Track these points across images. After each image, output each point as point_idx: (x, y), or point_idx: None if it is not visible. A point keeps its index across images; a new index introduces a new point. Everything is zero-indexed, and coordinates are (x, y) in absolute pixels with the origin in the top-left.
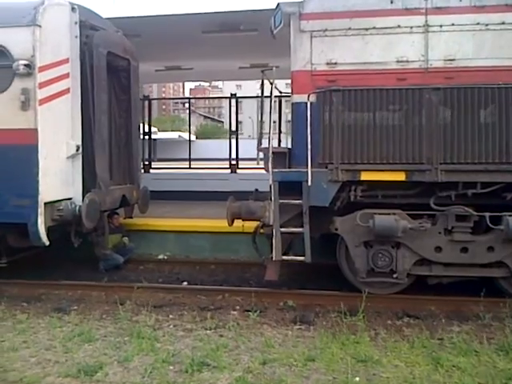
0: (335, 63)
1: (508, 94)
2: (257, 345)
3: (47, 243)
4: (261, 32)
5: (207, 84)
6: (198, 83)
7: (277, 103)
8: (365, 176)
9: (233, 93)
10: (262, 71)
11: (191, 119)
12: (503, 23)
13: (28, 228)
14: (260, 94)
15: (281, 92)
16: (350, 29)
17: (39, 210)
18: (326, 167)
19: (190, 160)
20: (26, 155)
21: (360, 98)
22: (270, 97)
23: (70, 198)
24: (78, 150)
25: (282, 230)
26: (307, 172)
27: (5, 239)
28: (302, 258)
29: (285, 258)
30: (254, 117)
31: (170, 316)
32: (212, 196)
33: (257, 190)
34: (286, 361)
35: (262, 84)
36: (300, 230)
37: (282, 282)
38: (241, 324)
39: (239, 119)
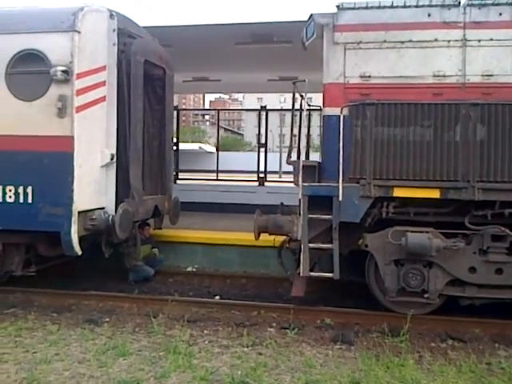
0: (369, 76)
1: None
2: (297, 364)
3: (80, 253)
4: (294, 44)
5: (227, 97)
6: (218, 95)
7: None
8: (398, 192)
9: (261, 105)
10: (294, 83)
11: (211, 131)
12: None
13: (61, 237)
14: (291, 107)
15: (310, 105)
16: (385, 41)
17: (73, 219)
18: (358, 182)
19: (217, 172)
20: (61, 163)
21: (394, 113)
22: (301, 110)
23: (102, 208)
24: (112, 159)
25: (311, 245)
26: (338, 187)
27: (34, 248)
28: (330, 275)
29: (312, 274)
30: (275, 130)
31: (205, 331)
32: (239, 208)
33: (282, 203)
34: (330, 383)
35: (294, 96)
36: (329, 246)
37: (310, 299)
38: (278, 342)
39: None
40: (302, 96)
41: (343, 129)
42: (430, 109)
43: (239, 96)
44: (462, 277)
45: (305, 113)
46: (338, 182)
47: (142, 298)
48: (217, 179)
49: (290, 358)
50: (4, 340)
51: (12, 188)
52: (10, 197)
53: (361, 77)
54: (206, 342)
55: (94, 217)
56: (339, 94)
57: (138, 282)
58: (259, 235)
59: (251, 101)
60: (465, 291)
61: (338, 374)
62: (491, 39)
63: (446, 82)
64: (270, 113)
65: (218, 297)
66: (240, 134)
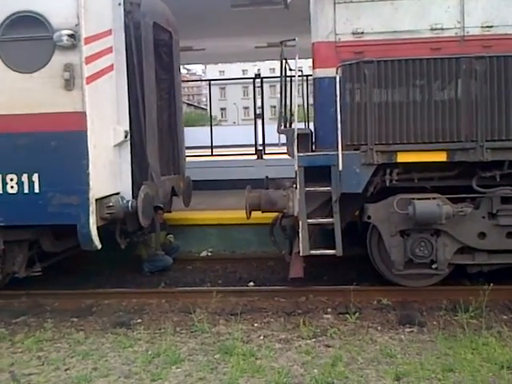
0: (362, 33)
1: None
2: (375, 355)
3: (99, 246)
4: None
5: (185, 71)
6: None
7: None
8: (402, 157)
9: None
10: (281, 42)
11: None
12: None
13: (77, 230)
14: (280, 73)
15: (291, 69)
16: None
17: (91, 208)
18: (356, 149)
19: (212, 147)
20: (73, 144)
21: (397, 70)
22: (284, 76)
23: (117, 193)
24: (126, 137)
25: (310, 221)
26: (337, 155)
27: (38, 243)
28: (332, 252)
29: (314, 252)
30: (239, 103)
31: (255, 325)
32: (237, 184)
33: (267, 177)
34: (422, 374)
35: (282, 59)
36: (330, 220)
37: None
38: (342, 330)
39: (223, 106)
40: (285, 59)
41: (340, 91)
42: (435, 64)
43: (198, 70)
44: (471, 243)
45: (297, 78)
46: (337, 150)
47: (170, 291)
48: (212, 155)
49: (365, 348)
50: (24, 357)
51: (14, 176)
52: (12, 187)
53: (353, 33)
54: (262, 338)
55: (110, 204)
56: (331, 53)
57: (154, 272)
58: (251, 213)
59: (213, 74)
60: (474, 258)
61: (425, 361)
62: None
63: (445, 36)
64: (233, 85)
65: (252, 283)
66: (203, 108)
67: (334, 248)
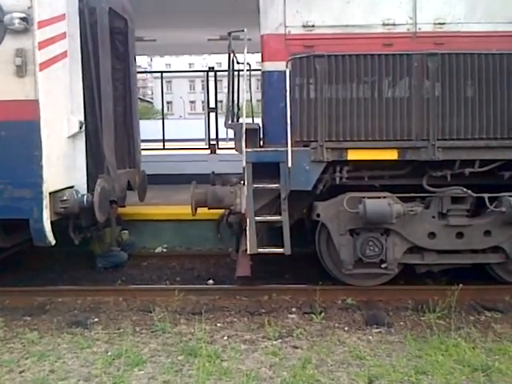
0: (313, 26)
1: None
2: (345, 357)
3: (53, 242)
4: None
5: None
6: None
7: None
8: (352, 155)
9: (208, 67)
10: (229, 34)
11: None
12: None
13: (30, 225)
14: (228, 66)
15: (239, 63)
16: None
17: (44, 202)
18: (305, 146)
19: (163, 141)
20: (25, 134)
21: (349, 66)
22: (231, 69)
23: (71, 186)
24: (81, 128)
25: (258, 218)
26: (287, 151)
27: None
28: (280, 250)
29: (262, 250)
30: (185, 97)
31: (218, 324)
32: (190, 179)
33: (213, 172)
34: (395, 376)
35: (230, 51)
36: (278, 218)
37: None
38: (309, 330)
39: (169, 99)
40: (233, 52)
41: (289, 86)
42: (387, 60)
43: (143, 62)
44: (421, 243)
45: (245, 71)
46: (287, 146)
47: (127, 289)
48: (163, 148)
49: (333, 350)
50: None
51: None
52: None
53: (304, 26)
54: (226, 338)
55: (65, 198)
56: (280, 46)
57: (108, 268)
58: (196, 210)
59: (159, 67)
60: (424, 258)
61: (396, 363)
62: None
63: (397, 32)
64: (179, 79)
65: (211, 281)
66: (149, 101)
67: (282, 246)
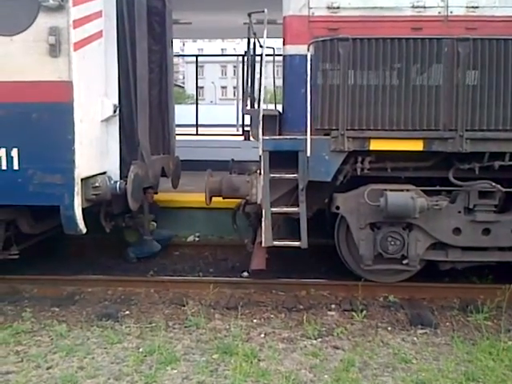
0: (338, 7)
1: None
2: (389, 359)
3: (84, 230)
4: None
5: None
6: None
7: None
8: (375, 145)
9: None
10: (249, 15)
11: None
12: None
13: (61, 212)
14: (247, 49)
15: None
16: None
17: (76, 189)
18: (326, 134)
19: (197, 126)
20: (58, 117)
21: (374, 50)
22: (248, 53)
23: (104, 173)
24: (115, 112)
25: (274, 210)
26: (306, 140)
27: (14, 224)
28: (297, 244)
29: (277, 243)
30: (217, 82)
31: (255, 321)
32: (224, 166)
33: (233, 159)
34: (444, 382)
35: (250, 33)
36: (295, 209)
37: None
38: (349, 329)
39: (201, 84)
40: (254, 34)
41: (311, 70)
42: (415, 45)
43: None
44: (445, 239)
45: (264, 53)
46: (306, 134)
47: (160, 280)
48: (196, 134)
49: (376, 351)
50: (1, 351)
51: None
52: None
53: (328, 8)
54: (263, 336)
55: (97, 184)
56: (303, 28)
57: (140, 259)
58: (211, 200)
59: (191, 52)
60: (448, 255)
61: (444, 368)
62: None
63: (427, 15)
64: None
65: (245, 273)
66: (181, 86)
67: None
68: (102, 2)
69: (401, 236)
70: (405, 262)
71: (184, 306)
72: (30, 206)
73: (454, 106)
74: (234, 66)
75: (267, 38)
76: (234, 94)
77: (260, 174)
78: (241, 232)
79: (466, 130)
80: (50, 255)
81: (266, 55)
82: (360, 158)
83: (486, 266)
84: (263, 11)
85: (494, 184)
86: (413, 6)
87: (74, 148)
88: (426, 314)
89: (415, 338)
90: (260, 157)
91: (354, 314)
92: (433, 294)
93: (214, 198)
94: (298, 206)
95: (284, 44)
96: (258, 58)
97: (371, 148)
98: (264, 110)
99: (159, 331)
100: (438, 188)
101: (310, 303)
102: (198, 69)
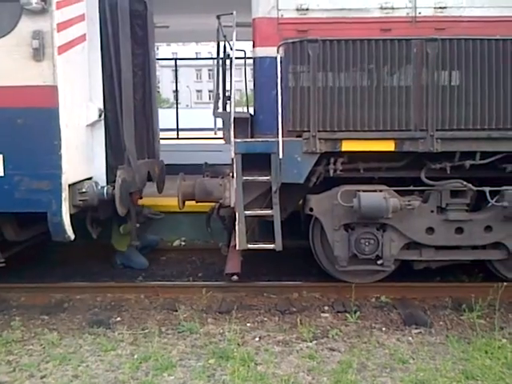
0: (307, 9)
1: None
2: (386, 360)
3: (72, 237)
4: None
5: None
6: None
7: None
8: (347, 146)
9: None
10: (218, 17)
11: None
12: None
13: (48, 218)
14: (217, 52)
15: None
16: None
17: (63, 195)
18: (299, 136)
19: (177, 130)
20: (43, 122)
21: (344, 52)
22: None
23: (90, 178)
24: (100, 116)
25: (247, 212)
26: (278, 142)
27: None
28: (271, 246)
29: (251, 246)
30: (192, 86)
31: (248, 324)
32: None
33: (206, 163)
34: (443, 381)
35: (219, 36)
36: (269, 212)
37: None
38: (344, 331)
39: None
40: (225, 37)
41: (281, 72)
42: (384, 46)
43: None
44: (419, 239)
45: (233, 57)
46: (277, 136)
47: (150, 286)
48: (177, 138)
49: (373, 352)
50: None
51: None
52: None
53: (297, 10)
54: (258, 339)
55: (83, 190)
56: (272, 31)
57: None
58: (184, 203)
59: (165, 55)
60: (422, 254)
61: (441, 367)
62: None
63: (395, 16)
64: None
65: (235, 277)
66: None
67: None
68: (85, 5)
69: (375, 236)
70: (379, 262)
71: (176, 311)
72: (15, 213)
73: (424, 106)
74: (209, 70)
75: (237, 40)
76: (210, 98)
77: (233, 177)
78: (215, 236)
79: (437, 130)
80: (35, 262)
81: (237, 58)
82: (332, 160)
83: (476, 264)
84: (232, 13)
85: (465, 183)
86: (381, 8)
87: (60, 153)
88: (419, 313)
89: (410, 338)
90: (232, 160)
91: (347, 315)
92: (424, 294)
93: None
94: (271, 208)
95: (254, 46)
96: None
97: (343, 149)
98: (235, 112)
99: (153, 337)
100: (410, 188)
101: (303, 305)
102: (173, 73)
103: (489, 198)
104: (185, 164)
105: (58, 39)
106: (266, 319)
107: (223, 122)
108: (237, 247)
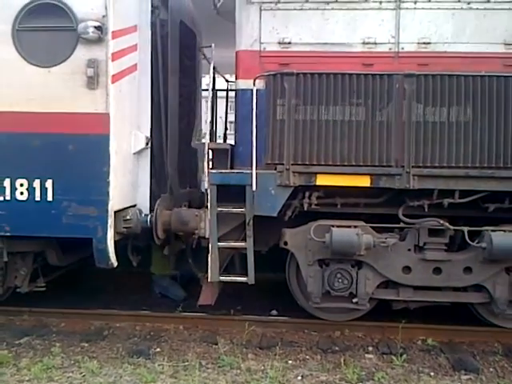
0: (289, 43)
1: (496, 85)
2: None
3: (116, 264)
4: None
5: None
6: None
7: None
8: (321, 180)
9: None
10: (200, 49)
11: None
12: (488, 1)
13: (93, 244)
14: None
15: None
16: (307, 1)
17: (109, 222)
18: (275, 169)
19: None
20: (94, 149)
21: (318, 85)
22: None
23: (134, 205)
24: (147, 144)
25: (220, 244)
26: (251, 174)
27: (42, 256)
28: (244, 279)
29: (223, 278)
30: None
31: (290, 362)
32: None
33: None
34: None
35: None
36: (242, 244)
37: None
38: (390, 374)
39: None
40: (214, 69)
41: (257, 104)
42: (359, 81)
43: None
44: (395, 278)
45: (210, 89)
46: (252, 168)
47: (189, 317)
48: None
49: None
50: None
51: (24, 181)
52: (22, 193)
53: (279, 43)
54: (300, 378)
55: (128, 217)
56: (254, 63)
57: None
58: (165, 232)
59: None
60: (399, 294)
61: None
62: (429, 0)
63: (377, 51)
64: None
65: (275, 311)
66: None
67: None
68: (138, 35)
69: (349, 274)
70: (354, 300)
71: (216, 344)
72: (59, 238)
73: (400, 141)
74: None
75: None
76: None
77: (207, 207)
78: (196, 266)
79: (413, 167)
80: (73, 288)
81: (218, 90)
82: (307, 193)
83: None
84: (210, 46)
85: (442, 222)
86: (363, 43)
87: (109, 180)
88: (468, 358)
89: None
90: (206, 190)
91: (393, 357)
92: (472, 338)
93: None
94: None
95: (236, 78)
96: (220, 93)
97: (318, 183)
98: (214, 143)
99: (193, 370)
100: (386, 225)
101: (346, 344)
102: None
103: (467, 238)
104: None
105: (112, 68)
106: (308, 357)
107: (199, 152)
108: (209, 279)
